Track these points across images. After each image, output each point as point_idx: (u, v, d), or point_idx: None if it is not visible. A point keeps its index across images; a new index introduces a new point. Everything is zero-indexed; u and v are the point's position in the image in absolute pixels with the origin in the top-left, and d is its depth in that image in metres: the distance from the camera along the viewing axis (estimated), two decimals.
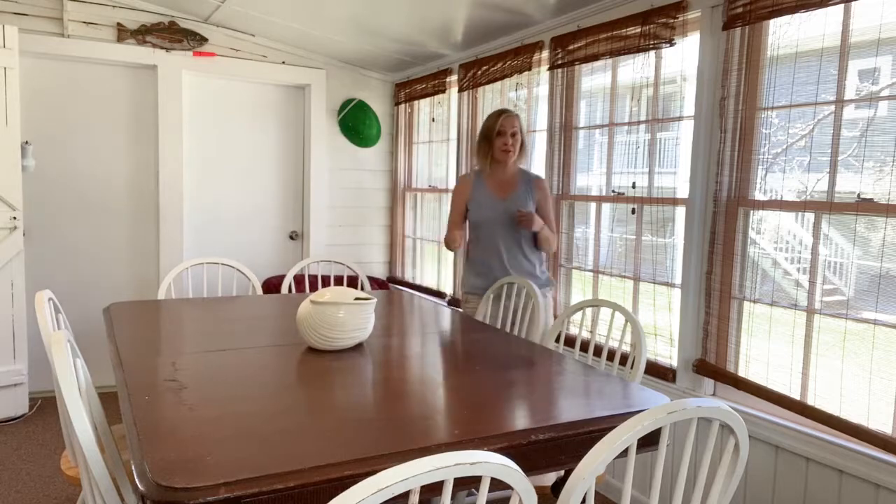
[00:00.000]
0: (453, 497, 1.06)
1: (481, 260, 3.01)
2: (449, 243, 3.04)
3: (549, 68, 3.25)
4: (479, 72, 3.78)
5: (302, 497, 1.16)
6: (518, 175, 2.99)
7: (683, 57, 2.57)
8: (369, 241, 4.88)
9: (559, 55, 3.18)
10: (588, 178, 3.18)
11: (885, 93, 2.07)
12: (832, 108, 2.12)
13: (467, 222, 3.05)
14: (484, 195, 2.96)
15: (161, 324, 2.39)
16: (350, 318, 1.98)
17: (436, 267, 4.50)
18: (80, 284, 4.04)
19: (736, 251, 2.42)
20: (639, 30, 2.71)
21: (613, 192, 2.98)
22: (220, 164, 4.40)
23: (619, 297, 2.95)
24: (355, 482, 0.93)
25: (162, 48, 4.02)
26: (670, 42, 2.58)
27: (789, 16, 2.18)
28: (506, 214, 2.92)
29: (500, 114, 2.91)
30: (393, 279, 4.86)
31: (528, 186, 2.96)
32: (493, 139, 2.90)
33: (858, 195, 2.05)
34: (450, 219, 3.06)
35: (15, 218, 3.42)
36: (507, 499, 1.15)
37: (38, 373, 3.77)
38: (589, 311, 2.98)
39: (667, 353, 2.71)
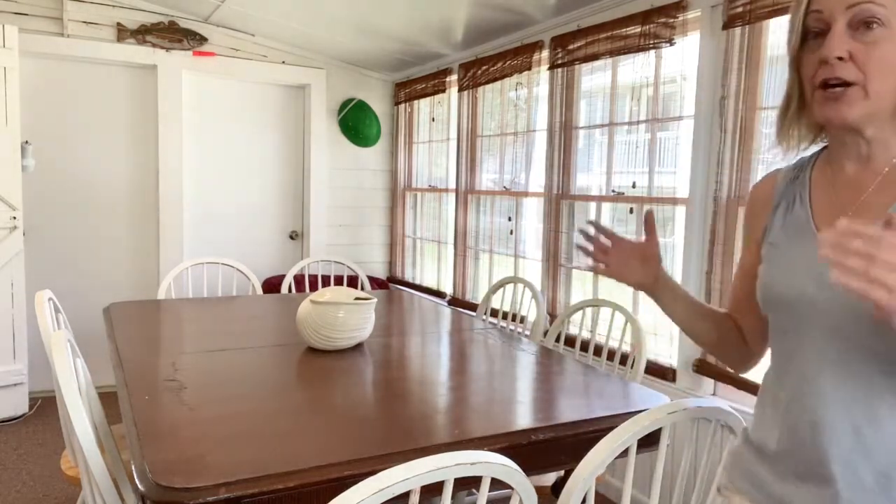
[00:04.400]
0: (453, 497, 1.06)
1: (774, 412, 1.00)
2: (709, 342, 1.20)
3: (549, 68, 3.25)
4: (479, 71, 3.78)
5: (302, 497, 1.16)
6: None
7: (683, 56, 2.57)
8: (369, 241, 4.88)
9: (559, 55, 3.18)
10: (588, 178, 3.17)
11: None
12: None
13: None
14: (796, 229, 1.00)
15: (161, 324, 2.39)
16: (350, 318, 1.98)
17: (436, 267, 4.49)
18: (80, 284, 4.04)
19: (736, 251, 2.41)
20: (639, 29, 2.71)
21: (613, 191, 2.98)
22: (220, 163, 4.40)
23: (619, 297, 2.95)
24: (355, 482, 0.93)
25: (162, 48, 4.02)
26: (670, 42, 2.57)
27: (789, 15, 2.18)
28: (848, 298, 0.84)
29: None
30: (393, 279, 4.86)
31: None
32: (804, 64, 0.96)
33: None
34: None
35: (15, 218, 3.42)
36: (507, 499, 1.15)
37: (38, 373, 3.77)
38: (589, 310, 2.99)
39: (667, 352, 2.71)
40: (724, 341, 1.17)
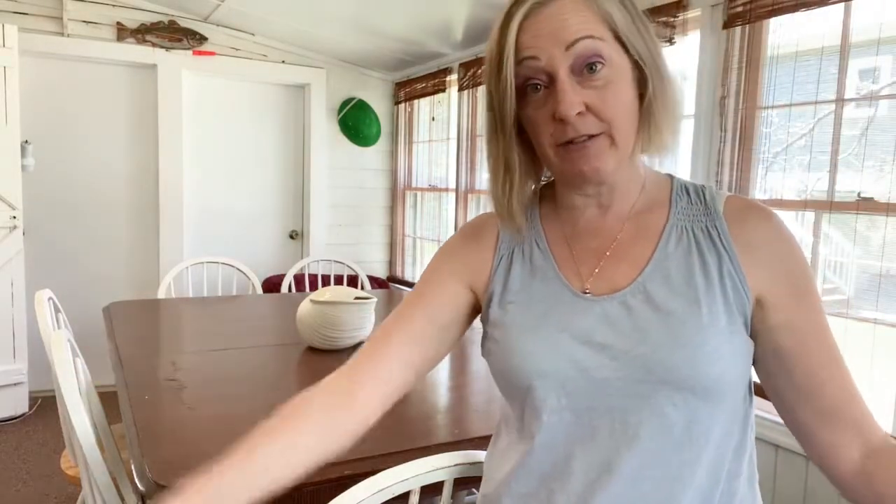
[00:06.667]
0: (453, 497, 1.06)
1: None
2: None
3: None
4: (479, 71, 3.78)
5: (302, 497, 1.16)
6: (656, 199, 0.87)
7: (684, 56, 2.57)
8: (369, 241, 4.88)
9: None
10: None
11: (885, 92, 2.07)
12: (832, 106, 2.11)
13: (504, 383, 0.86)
14: (545, 288, 0.84)
15: (161, 323, 2.39)
16: (350, 318, 1.98)
17: None
18: (80, 284, 4.04)
19: None
20: None
21: None
22: (220, 163, 4.40)
23: None
24: (355, 482, 0.93)
25: (162, 47, 4.01)
26: (670, 41, 2.57)
27: (789, 15, 2.18)
28: (628, 364, 0.76)
29: (511, 15, 0.75)
30: (393, 278, 4.86)
31: (708, 243, 0.79)
32: (531, 124, 0.78)
33: (859, 194, 2.05)
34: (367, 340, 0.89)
35: (15, 217, 3.42)
36: None
37: (38, 372, 3.76)
38: None
39: None
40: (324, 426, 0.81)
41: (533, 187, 0.88)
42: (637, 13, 0.78)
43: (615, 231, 0.84)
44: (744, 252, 0.77)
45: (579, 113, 0.73)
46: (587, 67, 0.73)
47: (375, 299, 2.06)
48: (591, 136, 0.74)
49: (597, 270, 0.82)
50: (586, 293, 0.81)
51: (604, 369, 0.76)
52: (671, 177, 0.88)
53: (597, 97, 0.74)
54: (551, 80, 0.74)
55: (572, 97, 0.73)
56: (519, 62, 0.75)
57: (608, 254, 0.82)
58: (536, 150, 0.81)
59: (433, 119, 4.45)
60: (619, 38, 0.75)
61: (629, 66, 0.76)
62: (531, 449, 0.81)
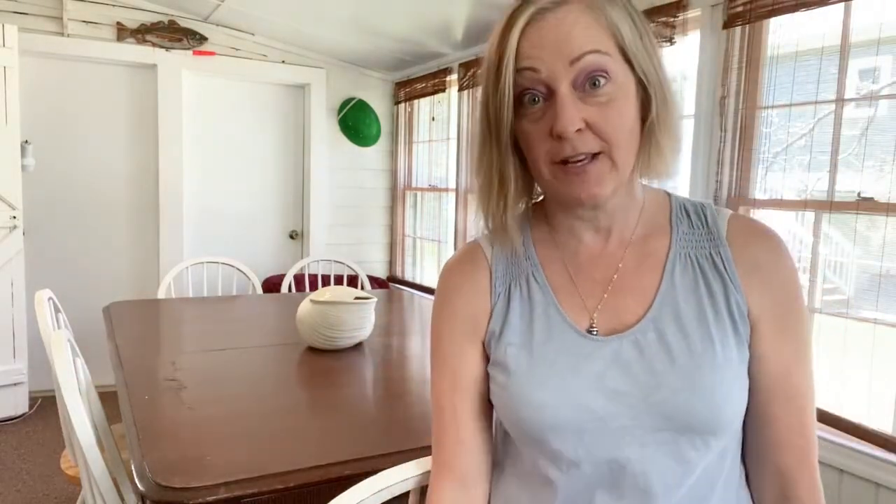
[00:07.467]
0: None
1: None
2: None
3: None
4: (479, 71, 3.77)
5: (302, 497, 1.16)
6: (656, 222, 0.81)
7: (684, 56, 2.57)
8: (369, 241, 4.88)
9: None
10: None
11: (885, 92, 2.07)
12: (832, 106, 2.11)
13: (496, 427, 0.89)
14: (547, 327, 0.79)
15: (161, 323, 2.39)
16: (350, 318, 1.98)
17: (436, 266, 4.49)
18: (80, 284, 4.04)
19: None
20: None
21: None
22: (220, 163, 4.40)
23: None
24: (355, 482, 0.93)
25: (162, 47, 4.01)
26: (670, 41, 2.57)
27: (789, 15, 2.18)
28: (646, 411, 0.73)
29: (514, 19, 0.71)
30: (393, 278, 4.86)
31: (713, 272, 0.76)
32: (526, 138, 0.74)
33: (859, 194, 2.05)
34: (436, 433, 0.86)
35: (15, 217, 3.42)
36: None
37: (38, 372, 3.77)
38: None
39: None
40: None
41: (523, 207, 0.83)
42: (646, 31, 0.75)
43: (616, 259, 0.79)
44: (744, 274, 0.75)
45: (578, 130, 0.69)
46: (590, 82, 0.69)
47: (375, 299, 2.06)
48: (590, 157, 0.70)
49: (601, 305, 0.78)
50: (592, 331, 0.77)
51: (621, 417, 0.73)
52: (668, 195, 0.84)
53: (598, 114, 0.70)
54: (550, 93, 0.70)
55: (572, 113, 0.69)
56: (517, 71, 0.71)
57: (611, 287, 0.78)
58: (529, 165, 0.76)
59: (433, 119, 4.45)
60: (625, 55, 0.72)
61: (633, 85, 0.72)
62: (549, 497, 0.78)
